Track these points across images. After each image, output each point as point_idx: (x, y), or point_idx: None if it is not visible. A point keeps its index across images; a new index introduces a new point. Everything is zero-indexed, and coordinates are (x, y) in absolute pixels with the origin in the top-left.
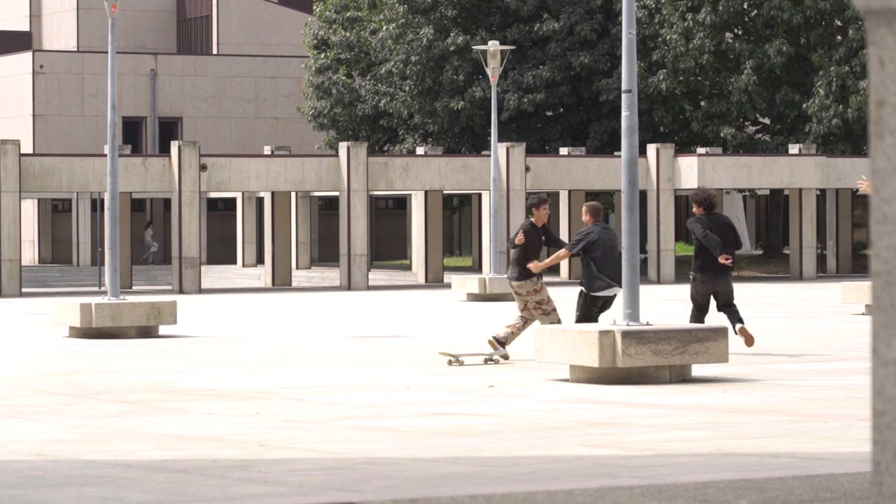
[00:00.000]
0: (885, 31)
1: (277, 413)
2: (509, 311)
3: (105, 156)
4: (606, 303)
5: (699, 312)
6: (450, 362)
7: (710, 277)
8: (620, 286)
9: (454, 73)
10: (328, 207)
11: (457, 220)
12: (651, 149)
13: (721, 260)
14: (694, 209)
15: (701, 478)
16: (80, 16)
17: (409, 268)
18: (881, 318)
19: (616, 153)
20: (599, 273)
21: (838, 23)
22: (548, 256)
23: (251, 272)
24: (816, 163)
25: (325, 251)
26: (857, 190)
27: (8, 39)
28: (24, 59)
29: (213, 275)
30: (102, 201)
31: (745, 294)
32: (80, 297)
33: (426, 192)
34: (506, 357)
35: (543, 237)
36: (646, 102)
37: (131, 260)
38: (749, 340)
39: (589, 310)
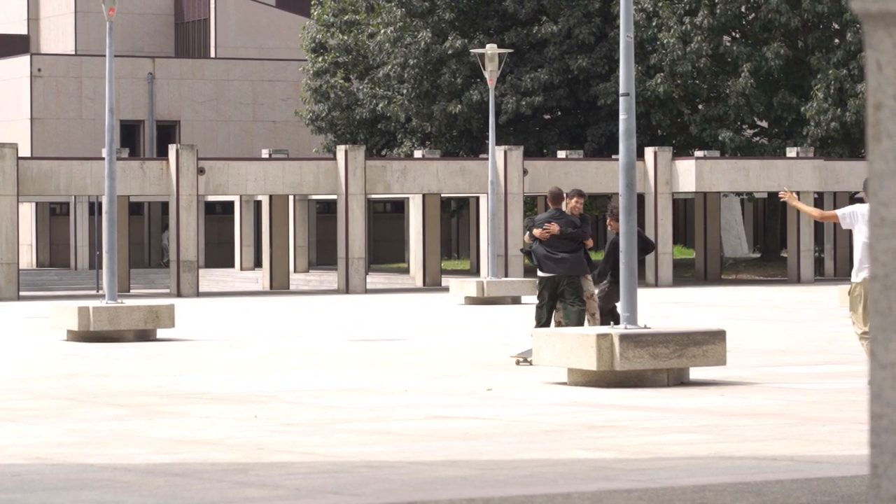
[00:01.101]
0: (882, 35)
1: (275, 416)
2: (507, 314)
3: (103, 159)
4: (549, 284)
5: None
6: (518, 362)
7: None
8: (559, 271)
9: (452, 76)
10: (326, 211)
11: (455, 223)
12: (649, 152)
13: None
14: (612, 223)
15: (699, 481)
16: (77, 19)
17: (406, 271)
18: (879, 321)
19: (614, 156)
20: (547, 256)
21: (836, 26)
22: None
23: (249, 275)
24: (814, 166)
25: (323, 254)
26: (781, 198)
27: (6, 43)
28: (21, 63)
29: (211, 278)
30: (100, 205)
31: (742, 297)
32: (77, 301)
33: (424, 196)
34: None
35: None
36: (643, 106)
37: (129, 263)
38: None
39: (540, 291)
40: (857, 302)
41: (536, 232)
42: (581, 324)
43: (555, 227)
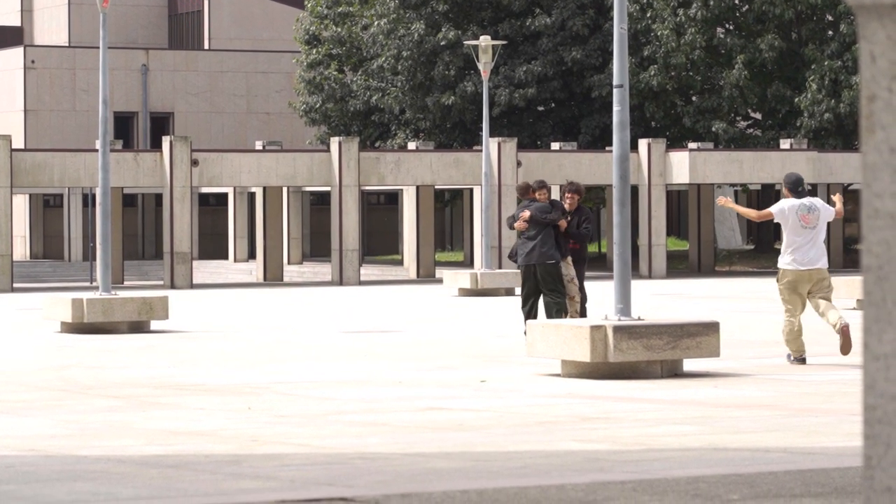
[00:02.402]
0: (875, 26)
1: (269, 408)
2: (501, 306)
3: (96, 151)
4: (525, 274)
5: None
6: None
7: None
8: (525, 262)
9: (445, 68)
10: (320, 202)
11: (448, 214)
12: (643, 144)
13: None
14: (572, 199)
15: (692, 472)
16: (71, 11)
17: (400, 263)
18: (872, 312)
19: (608, 148)
20: (519, 246)
21: (830, 17)
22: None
23: (243, 267)
24: (808, 158)
25: (317, 246)
26: (718, 203)
27: None
28: (15, 54)
29: (205, 270)
30: (94, 196)
31: (736, 288)
32: (71, 293)
33: (418, 188)
34: None
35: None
36: (637, 98)
37: (123, 255)
38: None
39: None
40: (785, 288)
41: (517, 225)
42: (559, 316)
43: (526, 214)
